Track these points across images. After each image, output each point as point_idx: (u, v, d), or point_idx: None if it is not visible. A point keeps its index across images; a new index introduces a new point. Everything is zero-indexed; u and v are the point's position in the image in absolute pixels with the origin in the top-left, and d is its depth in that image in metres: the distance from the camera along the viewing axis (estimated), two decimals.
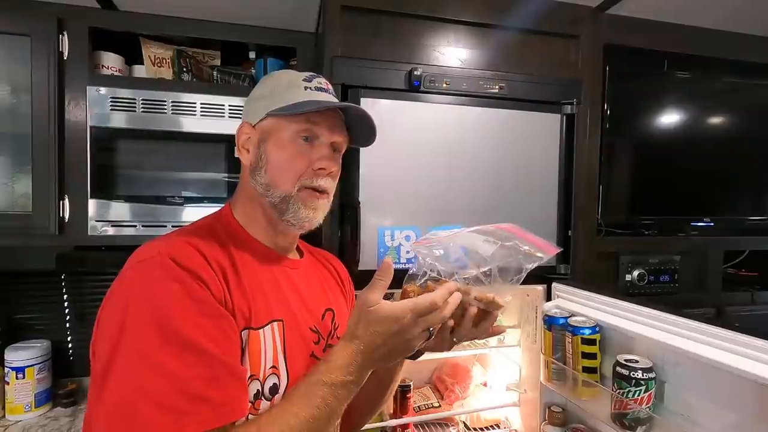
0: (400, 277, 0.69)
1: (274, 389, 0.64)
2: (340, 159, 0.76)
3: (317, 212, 0.72)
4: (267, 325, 0.66)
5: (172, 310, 0.54)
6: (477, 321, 0.68)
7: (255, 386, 0.62)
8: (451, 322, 0.67)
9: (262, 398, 0.63)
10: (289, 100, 0.69)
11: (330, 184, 0.73)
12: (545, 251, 0.67)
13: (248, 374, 0.62)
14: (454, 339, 0.70)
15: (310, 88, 0.71)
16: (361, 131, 0.76)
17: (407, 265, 1.07)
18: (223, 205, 0.77)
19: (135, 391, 0.50)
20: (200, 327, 0.55)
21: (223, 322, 0.58)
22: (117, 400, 0.50)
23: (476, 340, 1.41)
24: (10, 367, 1.32)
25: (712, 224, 1.57)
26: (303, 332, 0.72)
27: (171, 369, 0.51)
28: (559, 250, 0.69)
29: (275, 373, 0.65)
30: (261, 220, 0.73)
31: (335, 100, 0.73)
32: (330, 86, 0.75)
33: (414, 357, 0.76)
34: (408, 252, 1.16)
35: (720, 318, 1.50)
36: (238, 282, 0.65)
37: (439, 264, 0.68)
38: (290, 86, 0.71)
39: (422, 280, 0.68)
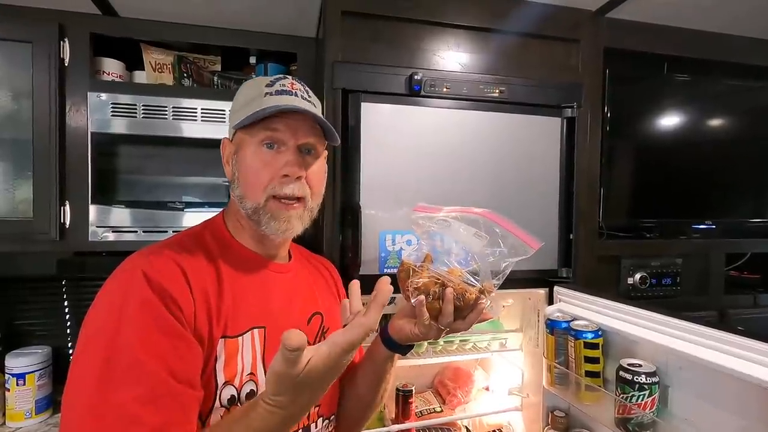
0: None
1: (252, 395, 0.65)
2: (316, 160, 0.73)
3: (291, 222, 0.70)
4: (247, 332, 0.66)
5: (130, 326, 0.55)
6: (463, 313, 0.69)
7: (230, 391, 0.63)
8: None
9: (238, 404, 0.63)
10: (250, 110, 0.68)
11: (302, 190, 0.70)
12: (529, 245, 0.71)
13: (222, 381, 0.62)
14: (441, 327, 0.69)
15: (271, 93, 0.70)
16: (327, 129, 0.73)
17: None
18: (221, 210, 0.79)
19: (73, 410, 0.52)
20: (153, 346, 0.55)
21: (180, 343, 0.58)
22: (64, 420, 0.53)
23: (478, 344, 1.42)
24: (10, 374, 1.32)
25: (713, 227, 1.56)
26: None
27: (110, 389, 0.52)
28: (541, 244, 0.72)
29: (253, 380, 0.66)
30: (247, 229, 0.74)
31: (298, 101, 0.70)
32: (297, 86, 0.72)
33: (404, 352, 0.78)
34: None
35: (723, 321, 1.49)
36: (220, 293, 0.65)
37: (433, 251, 0.73)
38: (253, 96, 0.70)
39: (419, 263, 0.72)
